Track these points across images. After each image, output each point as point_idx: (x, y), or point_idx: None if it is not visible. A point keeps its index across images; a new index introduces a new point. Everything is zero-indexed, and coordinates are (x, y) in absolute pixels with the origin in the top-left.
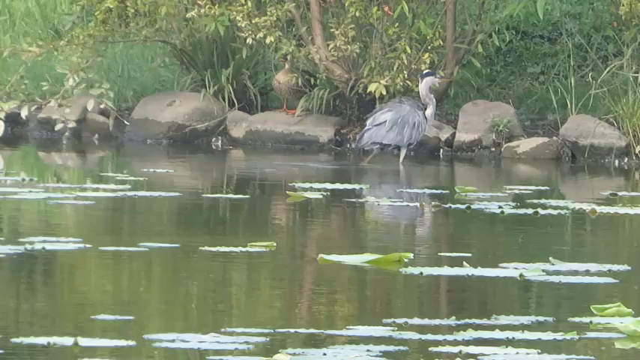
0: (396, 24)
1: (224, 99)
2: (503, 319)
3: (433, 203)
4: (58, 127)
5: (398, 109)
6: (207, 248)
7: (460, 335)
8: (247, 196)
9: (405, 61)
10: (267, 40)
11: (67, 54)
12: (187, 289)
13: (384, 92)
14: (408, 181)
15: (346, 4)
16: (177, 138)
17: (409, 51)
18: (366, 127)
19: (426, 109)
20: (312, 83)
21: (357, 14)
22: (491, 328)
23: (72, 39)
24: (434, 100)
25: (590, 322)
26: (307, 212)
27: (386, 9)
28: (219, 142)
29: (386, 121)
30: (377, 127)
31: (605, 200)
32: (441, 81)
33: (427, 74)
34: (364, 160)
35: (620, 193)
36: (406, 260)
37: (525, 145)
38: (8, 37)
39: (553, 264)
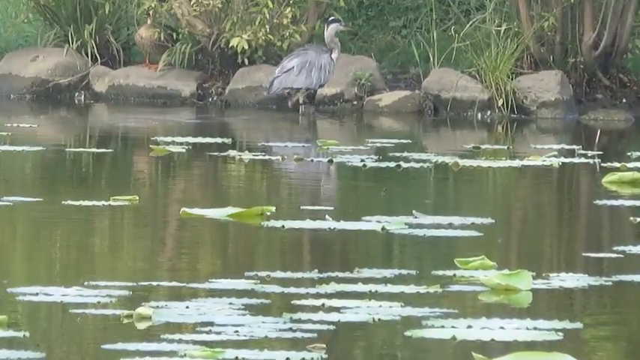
0: None
1: (87, 54)
2: (366, 272)
3: (295, 156)
4: None
5: (303, 54)
6: (70, 202)
7: (323, 288)
8: (110, 150)
9: (267, 16)
10: None
11: None
12: (50, 243)
13: (246, 47)
14: (271, 135)
15: None
16: (40, 93)
17: (271, 5)
18: (275, 75)
19: (331, 52)
20: (175, 38)
21: None
22: (354, 281)
23: None
24: (339, 44)
25: (454, 275)
26: (170, 166)
27: None
28: (82, 96)
29: (294, 66)
30: (285, 73)
31: (468, 153)
32: (345, 29)
33: (332, 21)
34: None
35: (482, 146)
36: (268, 213)
37: (387, 98)
38: None
39: (416, 217)
